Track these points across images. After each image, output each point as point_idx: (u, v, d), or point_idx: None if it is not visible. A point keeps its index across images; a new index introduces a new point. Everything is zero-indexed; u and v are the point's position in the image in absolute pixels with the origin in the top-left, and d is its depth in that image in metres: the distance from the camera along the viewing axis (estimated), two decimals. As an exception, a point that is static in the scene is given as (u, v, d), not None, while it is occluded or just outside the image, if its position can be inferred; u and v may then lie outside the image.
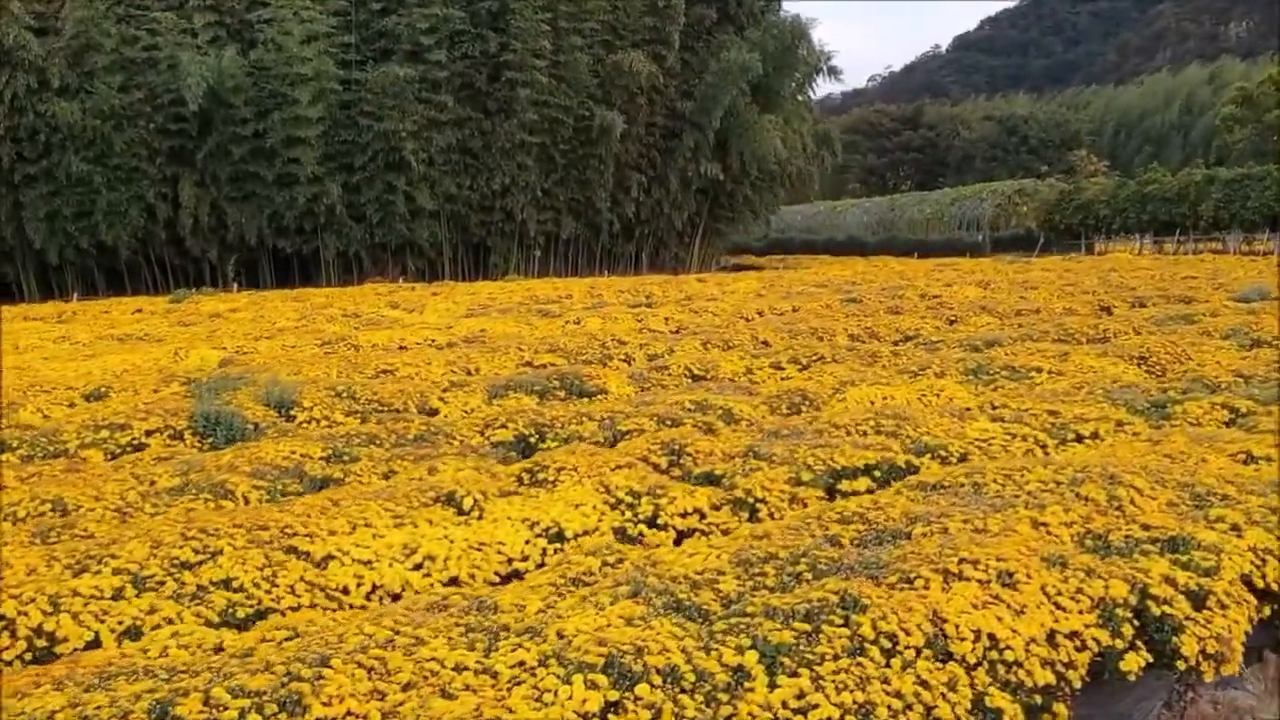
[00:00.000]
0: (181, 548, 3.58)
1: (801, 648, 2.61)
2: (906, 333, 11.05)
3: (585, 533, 3.96)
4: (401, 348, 11.17)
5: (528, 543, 3.89)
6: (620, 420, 6.07)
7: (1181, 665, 2.97)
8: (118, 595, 3.29)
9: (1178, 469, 4.05)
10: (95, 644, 3.09)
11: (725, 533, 4.07)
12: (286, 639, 2.86)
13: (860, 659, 2.60)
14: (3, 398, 7.31)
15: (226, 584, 3.43)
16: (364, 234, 28.75)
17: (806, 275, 24.97)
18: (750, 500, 4.31)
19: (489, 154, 29.30)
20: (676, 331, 12.08)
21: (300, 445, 5.57)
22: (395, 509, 4.06)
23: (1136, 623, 2.99)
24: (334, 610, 3.47)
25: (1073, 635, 2.87)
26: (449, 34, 28.22)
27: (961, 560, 3.06)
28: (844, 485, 4.59)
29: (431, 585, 3.64)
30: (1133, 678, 2.89)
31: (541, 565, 3.76)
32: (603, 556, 3.37)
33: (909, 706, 2.48)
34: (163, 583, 3.39)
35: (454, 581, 3.67)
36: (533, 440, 5.86)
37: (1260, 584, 3.29)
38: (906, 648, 2.66)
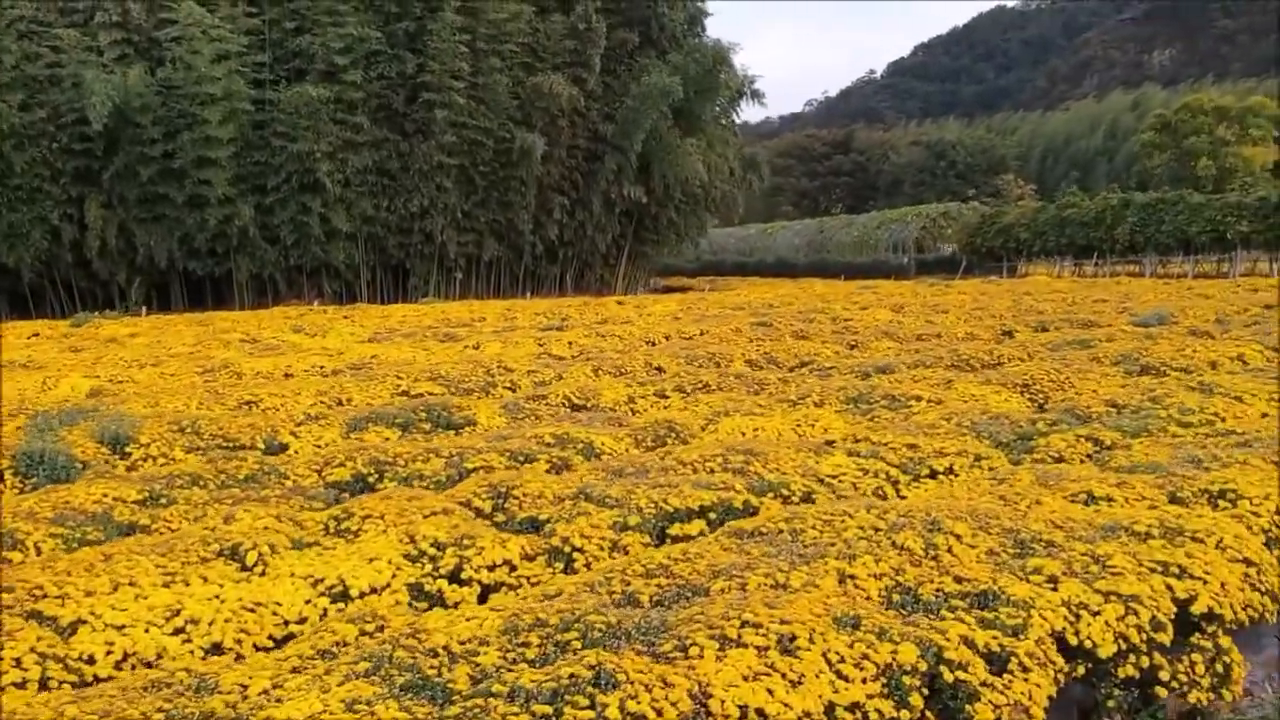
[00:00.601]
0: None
1: (534, 735, 2.32)
2: (804, 358, 10.87)
3: (374, 590, 3.63)
4: (287, 375, 10.74)
5: (309, 602, 3.56)
6: (469, 457, 5.76)
7: (976, 736, 2.73)
8: None
9: (1008, 513, 3.83)
10: None
11: (535, 585, 3.77)
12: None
13: (599, 747, 2.31)
14: None
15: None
16: (278, 256, 28.05)
17: (728, 298, 24.86)
18: (567, 550, 4.02)
19: (407, 175, 28.80)
20: (574, 357, 11.79)
21: (115, 488, 5.18)
22: (169, 564, 3.69)
23: (927, 691, 2.74)
24: (72, 684, 3.10)
25: (854, 707, 2.61)
26: (365, 54, 27.72)
27: (744, 624, 2.79)
28: (675, 529, 4.32)
29: (192, 651, 3.30)
30: (920, 754, 2.65)
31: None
32: (361, 624, 3.05)
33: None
34: None
35: (217, 648, 3.33)
36: (371, 480, 5.52)
37: (1074, 641, 3.07)
38: (656, 732, 2.39)
